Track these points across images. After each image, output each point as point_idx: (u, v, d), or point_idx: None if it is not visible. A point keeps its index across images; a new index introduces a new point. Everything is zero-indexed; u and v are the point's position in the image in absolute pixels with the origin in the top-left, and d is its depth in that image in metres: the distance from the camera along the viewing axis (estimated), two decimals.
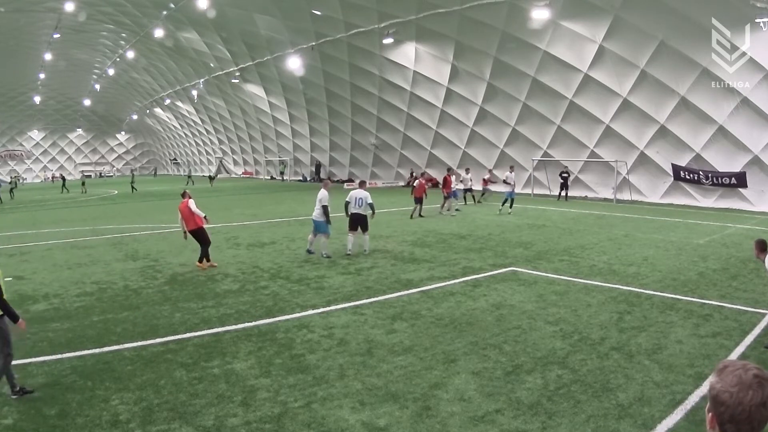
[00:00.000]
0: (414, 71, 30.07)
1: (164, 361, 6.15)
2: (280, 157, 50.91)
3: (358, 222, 12.56)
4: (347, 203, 12.61)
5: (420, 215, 19.37)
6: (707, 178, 21.75)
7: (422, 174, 26.72)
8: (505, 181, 21.26)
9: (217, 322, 7.60)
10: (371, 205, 12.65)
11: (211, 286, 9.69)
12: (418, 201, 19.62)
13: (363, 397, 5.10)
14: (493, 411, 4.79)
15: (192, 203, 11.57)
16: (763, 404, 1.42)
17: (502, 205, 20.60)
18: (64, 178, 49.91)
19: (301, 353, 6.29)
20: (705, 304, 8.03)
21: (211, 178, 48.80)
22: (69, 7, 33.04)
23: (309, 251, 12.53)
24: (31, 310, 8.31)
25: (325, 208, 12.05)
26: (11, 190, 39.49)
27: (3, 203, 33.25)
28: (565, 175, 26.38)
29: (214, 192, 37.33)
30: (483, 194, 26.25)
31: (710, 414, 1.50)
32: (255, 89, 43.48)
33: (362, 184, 13.61)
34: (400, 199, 21.07)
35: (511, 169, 21.94)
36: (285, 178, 49.99)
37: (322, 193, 12.23)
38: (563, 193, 26.30)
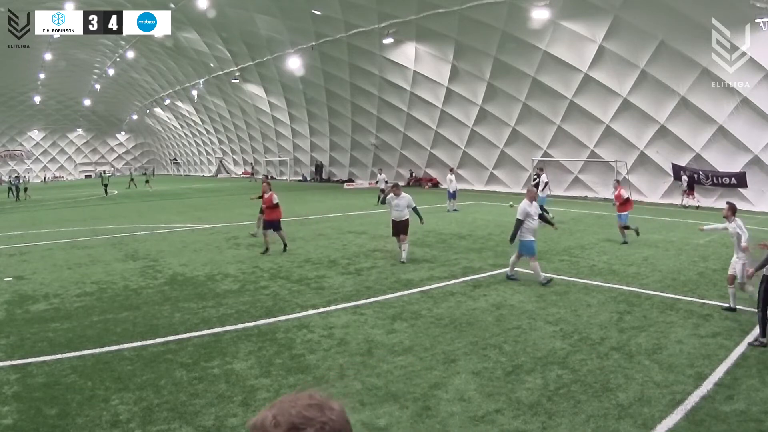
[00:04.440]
0: (414, 71, 30.08)
1: (164, 361, 6.15)
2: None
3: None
4: None
5: (266, 249, 12.75)
6: (707, 178, 21.75)
7: (265, 176, 14.86)
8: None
9: (217, 322, 7.59)
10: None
11: (211, 286, 9.69)
12: (270, 225, 12.74)
13: (363, 397, 5.10)
14: (493, 411, 4.79)
15: None
16: None
17: None
18: (17, 185, 39.16)
19: (301, 353, 6.29)
20: (705, 304, 8.03)
21: (146, 182, 45.42)
22: (69, 6, 33.01)
23: (509, 276, 9.83)
24: (31, 310, 8.31)
25: (519, 222, 9.42)
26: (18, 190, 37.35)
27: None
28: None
29: (215, 192, 37.27)
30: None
31: None
32: (255, 89, 43.48)
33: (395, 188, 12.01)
34: None
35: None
36: (255, 177, 50.40)
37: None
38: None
